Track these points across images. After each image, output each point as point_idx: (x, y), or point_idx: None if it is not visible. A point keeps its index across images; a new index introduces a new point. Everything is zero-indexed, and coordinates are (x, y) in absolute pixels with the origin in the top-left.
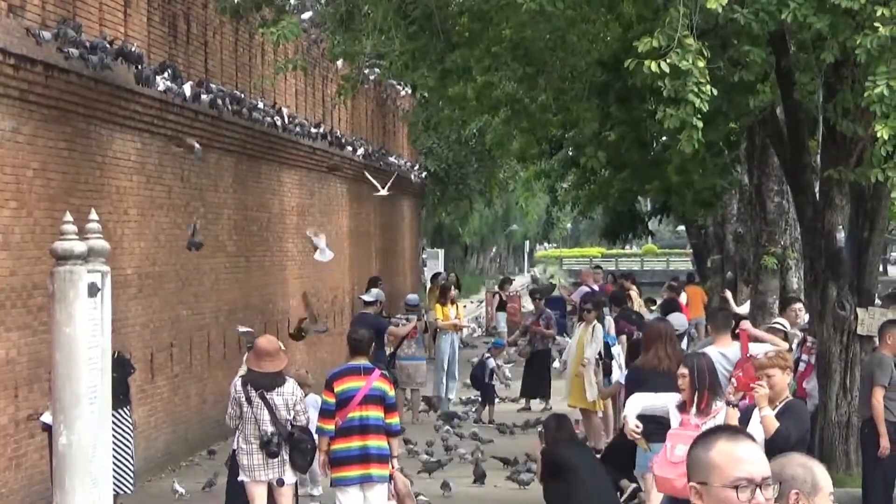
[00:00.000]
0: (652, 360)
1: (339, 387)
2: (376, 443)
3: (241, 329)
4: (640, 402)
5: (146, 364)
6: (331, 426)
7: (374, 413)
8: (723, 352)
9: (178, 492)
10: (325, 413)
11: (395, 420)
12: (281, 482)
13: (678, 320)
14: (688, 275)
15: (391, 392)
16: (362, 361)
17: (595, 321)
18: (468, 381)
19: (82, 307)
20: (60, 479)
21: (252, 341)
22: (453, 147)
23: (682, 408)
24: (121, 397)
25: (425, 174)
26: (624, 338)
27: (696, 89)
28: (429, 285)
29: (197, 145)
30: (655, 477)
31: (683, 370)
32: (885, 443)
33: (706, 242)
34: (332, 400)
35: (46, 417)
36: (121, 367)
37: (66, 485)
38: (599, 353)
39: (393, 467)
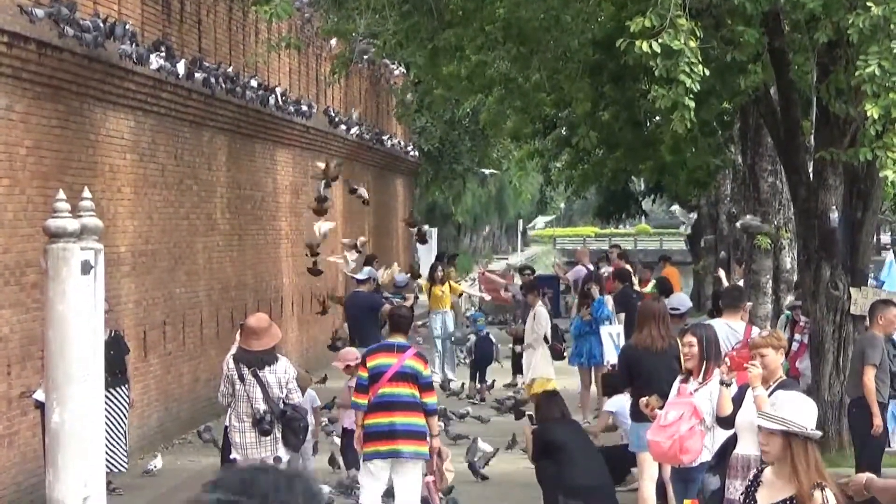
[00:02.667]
0: (645, 340)
1: (371, 362)
2: (403, 419)
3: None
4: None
5: (139, 342)
6: (364, 401)
7: (405, 390)
8: (731, 325)
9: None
10: (359, 388)
11: (431, 399)
12: (278, 460)
13: (680, 300)
14: (660, 257)
15: (426, 371)
16: (399, 339)
17: (538, 304)
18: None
19: (75, 285)
20: (53, 457)
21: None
22: (444, 127)
23: (685, 379)
24: (118, 375)
25: (418, 153)
26: (623, 316)
27: (687, 69)
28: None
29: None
30: (649, 442)
31: (691, 339)
32: (877, 421)
33: (699, 222)
34: (365, 375)
35: (39, 395)
36: (117, 346)
37: (58, 462)
38: (546, 337)
39: (432, 446)
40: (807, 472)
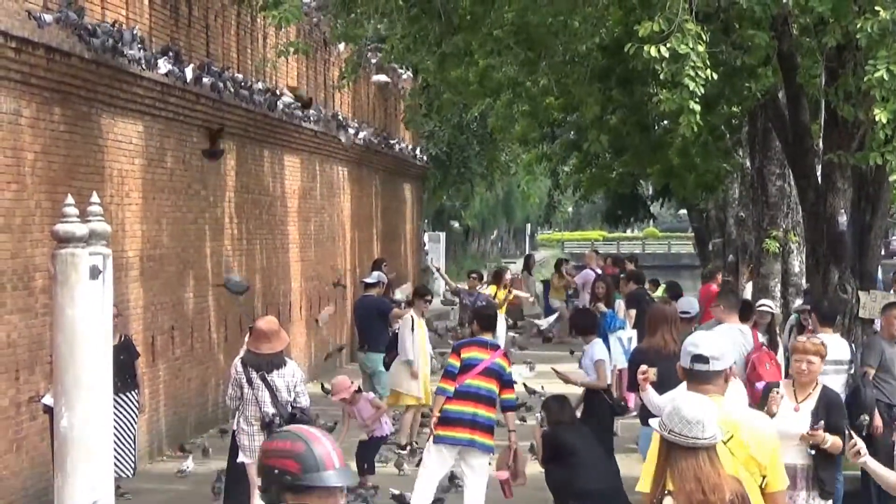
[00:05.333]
0: (658, 343)
1: (466, 353)
2: (486, 413)
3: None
4: (663, 399)
5: (147, 347)
6: (451, 387)
7: (490, 385)
8: (741, 329)
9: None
10: (448, 374)
11: (510, 396)
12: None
13: (690, 304)
14: (627, 256)
15: (509, 369)
16: (489, 337)
17: (419, 315)
18: None
19: (84, 290)
20: (61, 462)
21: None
22: (453, 131)
23: None
24: (128, 380)
25: (426, 158)
26: (634, 312)
27: (692, 73)
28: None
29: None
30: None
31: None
32: (877, 422)
33: (708, 226)
34: (457, 363)
35: (48, 400)
36: (127, 351)
37: (67, 467)
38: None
39: (511, 441)
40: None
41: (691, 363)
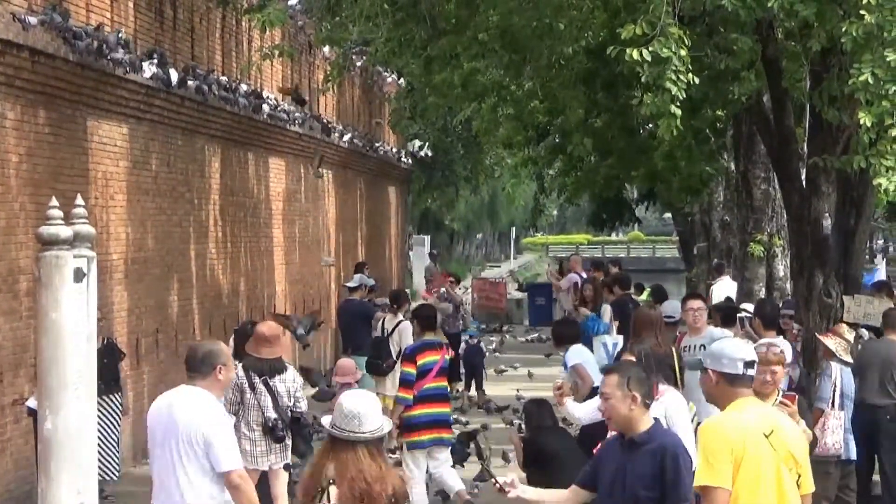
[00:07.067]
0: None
1: (422, 360)
2: (444, 409)
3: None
4: (583, 409)
5: (132, 350)
6: (410, 395)
7: (444, 383)
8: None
9: None
10: (406, 383)
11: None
12: (288, 467)
13: (674, 308)
14: (612, 260)
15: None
16: (435, 337)
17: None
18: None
19: (68, 292)
20: (45, 465)
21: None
22: (438, 134)
23: None
24: (111, 383)
25: (411, 160)
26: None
27: (674, 77)
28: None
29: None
30: None
31: (631, 357)
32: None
33: (692, 230)
34: (413, 371)
35: (32, 402)
36: (111, 353)
37: (51, 470)
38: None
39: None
40: None
41: (744, 369)
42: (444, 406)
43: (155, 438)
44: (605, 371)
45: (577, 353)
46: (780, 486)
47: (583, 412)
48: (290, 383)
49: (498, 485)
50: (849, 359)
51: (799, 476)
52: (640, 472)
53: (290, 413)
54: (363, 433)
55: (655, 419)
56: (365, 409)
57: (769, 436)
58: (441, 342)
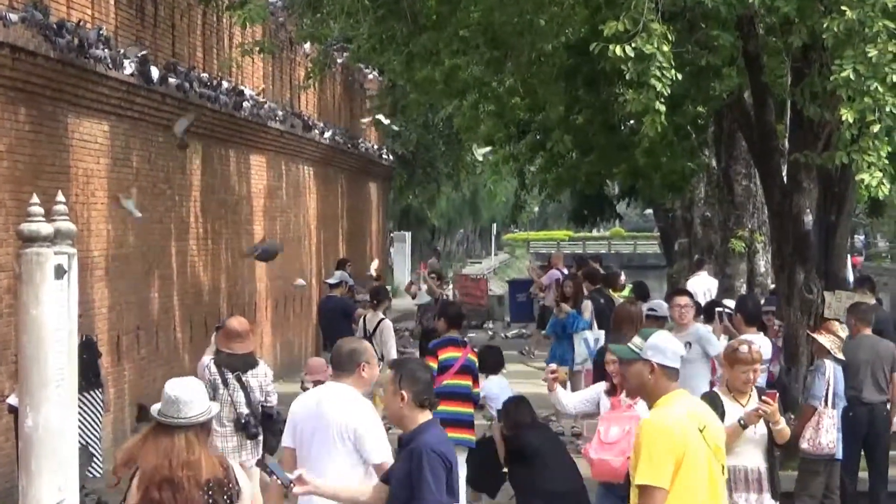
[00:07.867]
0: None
1: (443, 355)
2: (465, 409)
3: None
4: (573, 399)
5: (112, 347)
6: None
7: (467, 382)
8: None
9: None
10: None
11: (478, 390)
12: (261, 463)
13: (659, 303)
14: (594, 256)
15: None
16: (456, 334)
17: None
18: None
19: (49, 289)
20: (26, 462)
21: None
22: (419, 131)
23: (612, 392)
24: (92, 379)
25: (392, 157)
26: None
27: (658, 73)
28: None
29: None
30: (592, 462)
31: (611, 356)
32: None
33: (673, 226)
34: (433, 365)
35: (13, 399)
36: (90, 350)
37: (32, 467)
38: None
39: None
40: None
41: (679, 363)
42: (467, 406)
43: (303, 434)
44: (389, 365)
45: (495, 384)
46: (712, 480)
47: (571, 401)
48: (261, 378)
49: (280, 481)
50: (842, 356)
51: (722, 467)
52: (398, 471)
53: (261, 408)
54: (182, 419)
55: (434, 417)
56: (186, 395)
57: (702, 431)
58: (464, 340)
